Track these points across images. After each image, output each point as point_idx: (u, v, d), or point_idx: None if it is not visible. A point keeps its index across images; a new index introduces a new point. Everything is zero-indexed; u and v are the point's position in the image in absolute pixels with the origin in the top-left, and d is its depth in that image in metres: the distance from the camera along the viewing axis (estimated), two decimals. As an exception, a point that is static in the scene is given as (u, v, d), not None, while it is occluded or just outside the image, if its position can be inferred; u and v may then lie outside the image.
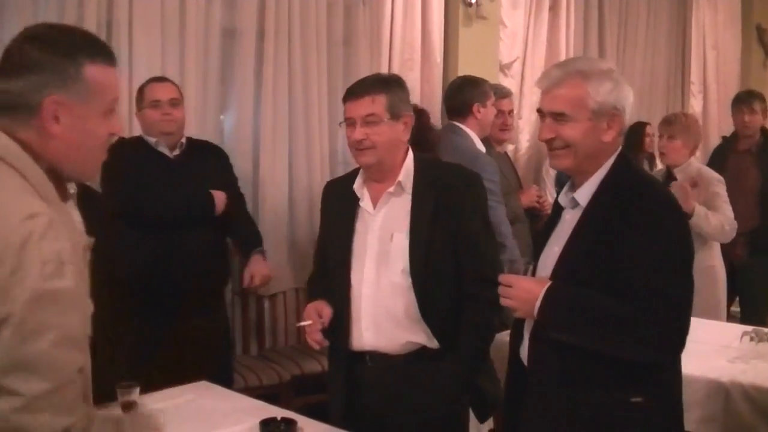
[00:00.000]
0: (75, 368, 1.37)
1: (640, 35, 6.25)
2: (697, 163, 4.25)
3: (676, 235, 1.97)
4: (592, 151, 2.06)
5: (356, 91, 2.40)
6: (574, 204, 2.10)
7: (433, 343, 2.40)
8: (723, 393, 2.75)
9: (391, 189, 2.42)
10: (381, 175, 2.44)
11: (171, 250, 3.30)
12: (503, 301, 2.08)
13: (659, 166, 5.53)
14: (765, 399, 2.70)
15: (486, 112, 3.82)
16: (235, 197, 3.60)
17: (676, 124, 4.11)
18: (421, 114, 3.06)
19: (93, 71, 1.46)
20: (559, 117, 2.05)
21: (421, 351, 2.41)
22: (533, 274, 2.15)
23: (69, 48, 1.45)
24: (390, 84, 2.44)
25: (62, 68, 1.43)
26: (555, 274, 2.05)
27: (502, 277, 2.09)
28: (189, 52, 3.87)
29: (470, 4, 4.80)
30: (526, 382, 2.14)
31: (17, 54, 1.43)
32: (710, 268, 4.09)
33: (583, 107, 2.03)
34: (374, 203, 2.44)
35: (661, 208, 1.99)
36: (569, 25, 5.58)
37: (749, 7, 7.10)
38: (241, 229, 3.63)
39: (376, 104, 2.37)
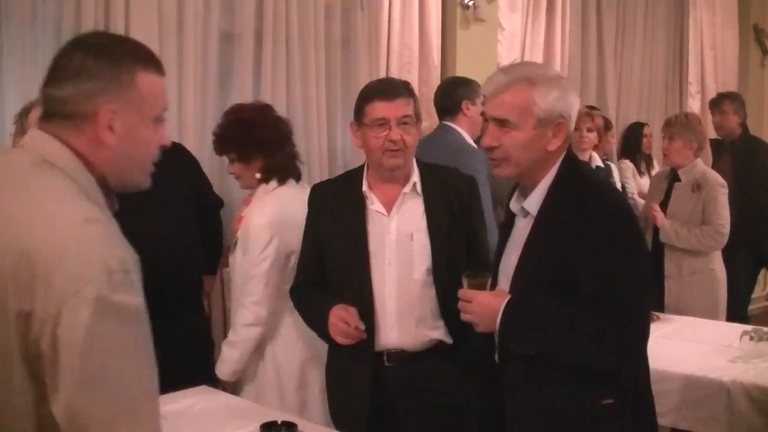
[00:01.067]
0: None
1: (638, 36, 6.25)
2: (703, 165, 4.20)
3: (625, 237, 1.95)
4: (536, 161, 2.02)
5: (391, 93, 2.41)
6: (525, 213, 2.08)
7: (449, 339, 2.45)
8: (724, 392, 2.75)
9: (407, 190, 2.45)
10: (402, 176, 2.45)
11: (139, 253, 3.21)
12: (463, 317, 2.07)
13: (656, 167, 5.53)
14: (766, 398, 2.70)
15: (476, 110, 3.77)
16: (210, 207, 3.57)
17: (676, 124, 4.08)
18: (266, 109, 3.01)
19: (145, 80, 1.42)
20: (503, 123, 2.00)
21: (437, 346, 2.45)
22: (493, 285, 2.12)
23: (123, 56, 1.41)
24: (411, 88, 2.49)
25: (117, 76, 1.39)
26: (514, 285, 2.04)
27: (462, 293, 2.06)
28: (187, 56, 3.86)
29: (468, 7, 4.80)
30: (499, 380, 2.14)
31: (70, 61, 1.39)
32: (710, 271, 4.07)
33: (528, 115, 1.98)
34: (385, 205, 2.45)
35: (608, 212, 1.96)
36: (566, 26, 5.58)
37: (747, 7, 7.11)
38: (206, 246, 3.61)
39: (409, 106, 2.41)
